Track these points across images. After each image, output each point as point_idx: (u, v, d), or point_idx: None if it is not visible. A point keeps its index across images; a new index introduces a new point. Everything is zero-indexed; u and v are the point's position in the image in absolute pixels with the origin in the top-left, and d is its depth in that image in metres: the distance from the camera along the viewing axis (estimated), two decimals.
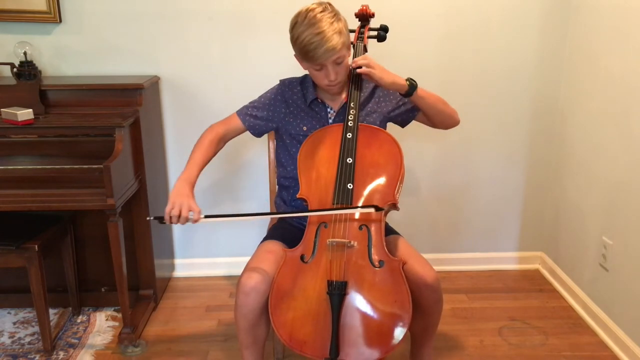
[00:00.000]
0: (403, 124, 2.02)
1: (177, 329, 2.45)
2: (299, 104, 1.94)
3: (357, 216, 1.72)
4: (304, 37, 1.70)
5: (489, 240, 2.92)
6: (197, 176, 1.81)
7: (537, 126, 2.76)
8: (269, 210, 2.25)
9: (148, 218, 1.75)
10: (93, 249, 2.54)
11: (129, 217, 2.42)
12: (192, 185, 1.77)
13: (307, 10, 1.73)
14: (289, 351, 2.16)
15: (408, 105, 1.95)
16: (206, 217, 1.69)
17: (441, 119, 1.96)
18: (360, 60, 1.80)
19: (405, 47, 2.60)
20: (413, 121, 2.02)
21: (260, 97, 1.99)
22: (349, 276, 1.64)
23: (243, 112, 1.97)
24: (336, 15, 1.75)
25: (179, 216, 1.66)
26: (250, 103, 1.99)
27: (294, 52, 1.81)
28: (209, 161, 1.89)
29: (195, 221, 1.67)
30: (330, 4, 1.78)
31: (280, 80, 2.00)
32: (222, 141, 1.95)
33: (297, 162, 1.82)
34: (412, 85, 1.82)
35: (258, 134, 1.99)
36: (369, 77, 1.80)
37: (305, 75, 1.96)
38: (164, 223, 1.68)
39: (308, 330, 1.64)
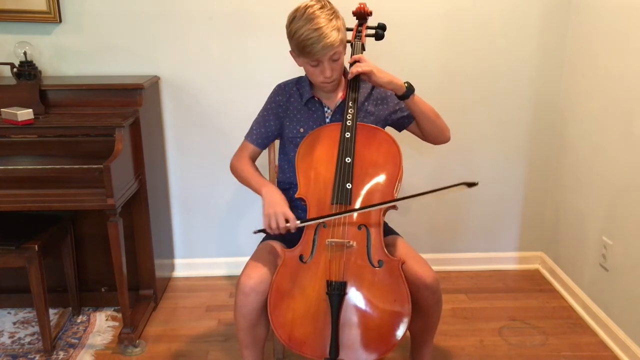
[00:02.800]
0: (399, 128, 2.00)
1: (177, 329, 2.45)
2: (295, 105, 1.93)
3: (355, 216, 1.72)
4: (302, 32, 1.70)
5: (489, 240, 2.92)
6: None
7: (537, 126, 2.76)
8: None
9: (253, 231, 1.77)
10: (93, 249, 2.54)
11: (129, 217, 2.42)
12: (277, 189, 1.83)
13: (306, 7, 1.73)
14: (289, 351, 2.16)
15: (405, 111, 1.94)
16: (302, 222, 1.72)
17: (432, 131, 1.94)
18: (356, 57, 1.80)
19: (404, 47, 2.60)
20: None
21: (260, 111, 1.99)
22: (348, 276, 1.64)
23: (251, 135, 1.98)
24: (334, 12, 1.75)
25: (278, 227, 1.72)
26: (253, 122, 1.99)
27: (289, 49, 1.80)
28: None
29: (294, 229, 1.73)
30: (328, 1, 1.78)
31: (276, 86, 1.99)
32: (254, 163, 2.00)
33: (294, 164, 1.82)
34: (410, 88, 1.81)
35: (264, 146, 2.00)
36: (366, 75, 1.78)
37: (301, 77, 1.96)
38: (268, 234, 1.76)
39: (307, 330, 1.64)
